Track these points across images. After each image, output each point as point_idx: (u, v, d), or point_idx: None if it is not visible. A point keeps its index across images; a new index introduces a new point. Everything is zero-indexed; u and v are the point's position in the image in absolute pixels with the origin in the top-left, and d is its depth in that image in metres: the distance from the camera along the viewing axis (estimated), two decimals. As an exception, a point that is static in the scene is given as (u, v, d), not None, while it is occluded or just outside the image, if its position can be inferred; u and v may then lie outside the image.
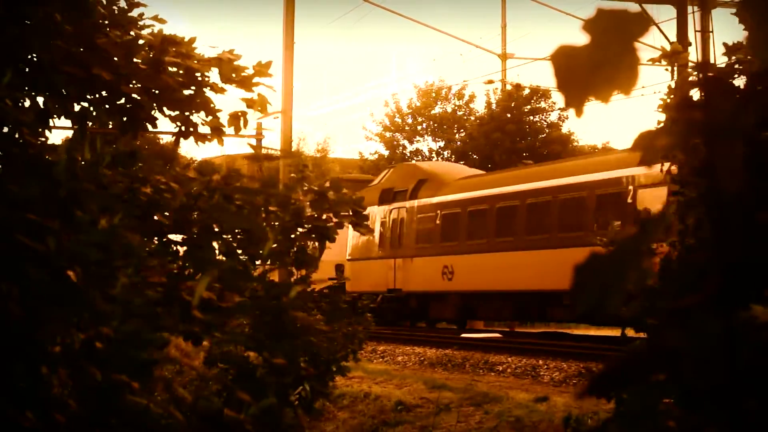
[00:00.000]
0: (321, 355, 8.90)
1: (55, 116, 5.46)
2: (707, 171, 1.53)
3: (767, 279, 1.72)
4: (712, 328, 1.74)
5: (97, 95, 5.52)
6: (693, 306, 1.80)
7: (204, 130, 5.86)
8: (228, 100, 6.07)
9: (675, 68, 6.27)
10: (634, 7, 1.50)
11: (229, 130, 5.95)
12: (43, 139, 4.38)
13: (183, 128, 5.80)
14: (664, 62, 6.37)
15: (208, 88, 5.73)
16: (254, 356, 4.82)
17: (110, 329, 2.98)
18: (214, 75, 5.75)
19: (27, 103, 5.04)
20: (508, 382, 17.62)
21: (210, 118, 5.80)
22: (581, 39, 1.42)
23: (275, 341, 4.36)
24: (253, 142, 45.17)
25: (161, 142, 58.43)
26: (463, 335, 26.52)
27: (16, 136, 4.06)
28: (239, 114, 5.85)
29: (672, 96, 6.25)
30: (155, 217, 4.36)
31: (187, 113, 5.73)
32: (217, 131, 5.85)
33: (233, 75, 5.71)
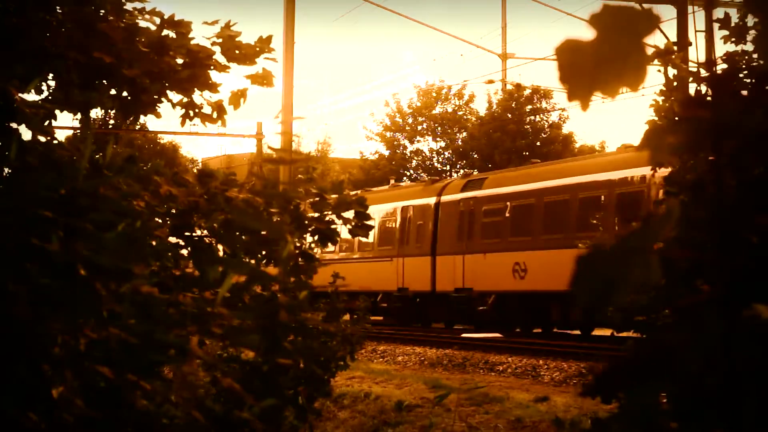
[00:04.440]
0: (320, 355, 8.91)
1: (57, 109, 5.45)
2: (713, 170, 1.53)
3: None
4: (714, 327, 1.73)
5: (99, 81, 5.53)
6: (694, 306, 1.80)
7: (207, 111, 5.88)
8: (232, 84, 6.08)
9: (668, 68, 6.24)
10: (637, 6, 1.49)
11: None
12: (50, 137, 4.38)
13: (186, 110, 5.82)
14: (657, 62, 6.34)
15: (211, 67, 5.74)
16: (253, 355, 4.81)
17: (122, 330, 2.97)
18: (216, 54, 5.76)
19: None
20: (508, 382, 17.62)
21: (214, 98, 5.82)
22: (586, 35, 1.41)
23: (278, 341, 4.35)
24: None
25: (162, 141, 58.50)
26: (463, 335, 26.51)
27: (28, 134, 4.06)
28: (239, 92, 5.87)
29: (665, 97, 6.23)
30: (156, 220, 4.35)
31: (190, 94, 5.74)
32: (221, 110, 5.86)
33: (236, 52, 5.71)
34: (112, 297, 2.91)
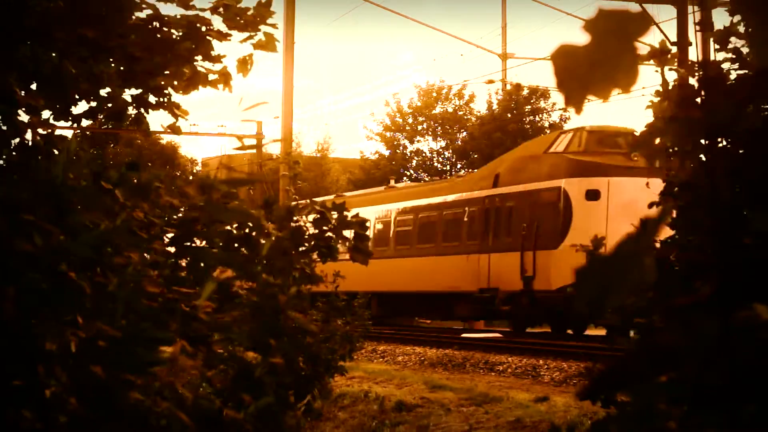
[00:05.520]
0: (320, 355, 8.91)
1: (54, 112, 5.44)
2: (707, 171, 1.53)
3: (764, 279, 1.71)
4: (710, 327, 1.73)
5: (97, 56, 5.50)
6: (691, 306, 1.79)
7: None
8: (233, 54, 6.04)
9: (664, 68, 6.16)
10: (634, 7, 1.49)
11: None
12: (51, 130, 4.38)
13: (191, 80, 5.77)
14: (653, 62, 6.26)
15: (212, 36, 5.71)
16: (253, 356, 4.81)
17: (114, 328, 2.98)
18: (216, 24, 5.72)
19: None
20: (508, 382, 17.62)
21: (218, 68, 5.79)
22: (582, 39, 1.41)
23: (274, 341, 4.36)
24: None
25: (161, 142, 58.44)
26: (464, 335, 26.52)
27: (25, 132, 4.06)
28: (245, 58, 5.84)
29: (661, 98, 6.16)
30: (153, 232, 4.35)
31: (193, 66, 5.71)
32: (225, 77, 5.84)
33: (237, 19, 5.68)
34: (98, 293, 2.92)
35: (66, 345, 2.88)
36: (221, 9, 5.59)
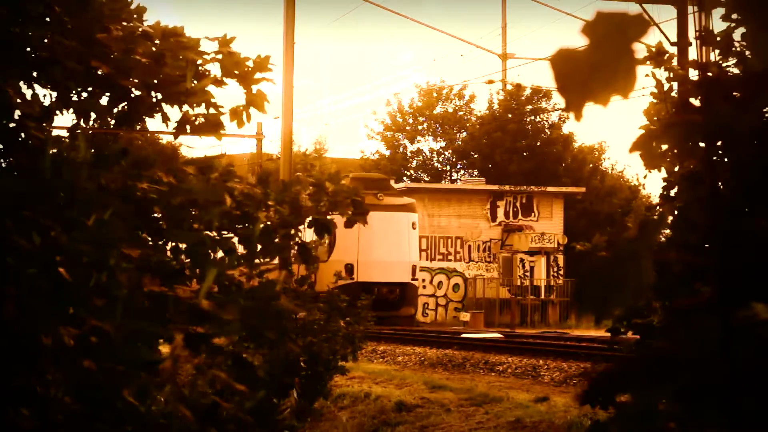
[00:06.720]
0: (321, 355, 8.91)
1: (57, 112, 5.45)
2: (708, 174, 1.53)
3: (765, 280, 1.72)
4: (711, 329, 1.73)
5: (97, 89, 5.51)
6: (691, 307, 1.80)
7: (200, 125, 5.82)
8: (227, 96, 6.02)
9: (661, 70, 6.13)
10: (634, 8, 1.49)
11: (229, 127, 5.93)
12: (47, 133, 4.38)
13: (182, 122, 5.77)
14: (648, 63, 6.23)
15: (209, 82, 5.69)
16: (253, 355, 4.80)
17: (110, 325, 2.97)
18: (214, 69, 5.71)
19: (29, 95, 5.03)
20: (508, 382, 17.62)
21: (211, 111, 5.77)
22: (581, 40, 1.41)
23: (275, 339, 4.35)
24: (253, 141, 45.12)
25: (162, 141, 58.49)
26: (464, 335, 26.56)
27: (22, 134, 4.07)
28: (241, 109, 5.81)
29: (657, 100, 6.14)
30: (153, 215, 4.34)
31: (187, 106, 5.70)
32: (217, 125, 5.82)
33: (235, 70, 5.67)
34: (96, 291, 2.91)
35: (63, 342, 2.88)
36: (221, 56, 5.58)
